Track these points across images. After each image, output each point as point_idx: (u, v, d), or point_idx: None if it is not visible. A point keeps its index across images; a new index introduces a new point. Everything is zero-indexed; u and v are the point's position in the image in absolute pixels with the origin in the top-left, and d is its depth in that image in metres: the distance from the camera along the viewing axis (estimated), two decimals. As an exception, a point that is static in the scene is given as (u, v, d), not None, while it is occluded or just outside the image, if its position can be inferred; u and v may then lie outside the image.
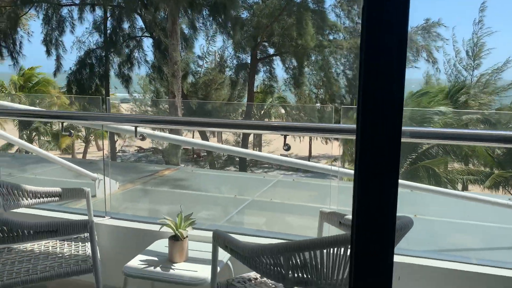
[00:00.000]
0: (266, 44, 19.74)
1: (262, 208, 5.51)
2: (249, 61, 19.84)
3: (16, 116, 4.21)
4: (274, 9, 17.91)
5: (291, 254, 1.48)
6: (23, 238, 2.00)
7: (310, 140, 24.57)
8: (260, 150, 22.75)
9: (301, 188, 6.71)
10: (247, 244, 1.64)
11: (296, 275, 1.52)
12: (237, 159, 21.33)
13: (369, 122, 0.66)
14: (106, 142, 15.15)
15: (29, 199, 2.52)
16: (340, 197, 2.82)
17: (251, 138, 22.61)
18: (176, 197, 6.24)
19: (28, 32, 19.07)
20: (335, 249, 1.48)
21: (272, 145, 22.72)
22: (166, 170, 9.01)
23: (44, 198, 2.54)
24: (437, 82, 20.21)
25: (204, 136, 19.78)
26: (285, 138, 2.25)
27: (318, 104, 20.82)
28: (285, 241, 1.55)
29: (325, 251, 1.48)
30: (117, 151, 23.15)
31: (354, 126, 2.06)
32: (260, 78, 21.30)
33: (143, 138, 2.70)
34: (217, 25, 18.21)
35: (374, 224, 0.68)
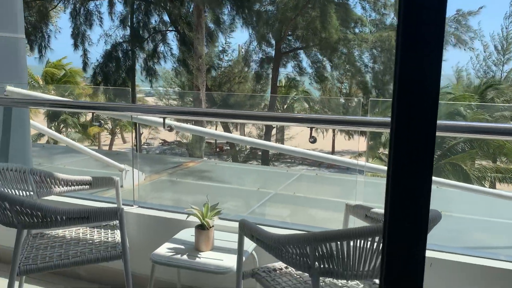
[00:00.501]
0: (291, 37, 19.63)
1: (285, 201, 5.52)
2: (273, 55, 19.80)
3: (49, 106, 4.32)
4: (298, 2, 17.77)
5: (318, 244, 1.49)
6: (56, 223, 2.07)
7: (334, 135, 24.41)
8: (282, 144, 22.71)
9: (325, 183, 6.69)
10: (273, 234, 1.66)
11: (322, 265, 1.53)
12: (260, 153, 21.38)
13: (405, 114, 0.67)
14: (133, 134, 15.46)
15: (60, 187, 2.60)
16: (365, 191, 2.81)
17: (273, 132, 22.62)
18: (200, 189, 6.32)
19: (55, 26, 19.55)
20: (362, 240, 1.48)
21: (295, 140, 22.67)
22: (190, 162, 9.13)
23: (75, 186, 2.62)
24: (467, 78, 19.76)
25: (227, 130, 19.89)
26: (311, 130, 2.25)
27: (342, 98, 20.64)
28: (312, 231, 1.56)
29: (352, 242, 1.49)
30: (142, 143, 23.54)
31: (383, 119, 2.05)
32: (283, 72, 21.24)
33: (170, 129, 2.74)
34: (242, 18, 18.21)
35: (407, 218, 0.68)
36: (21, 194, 2.49)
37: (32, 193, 2.51)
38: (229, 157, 22.20)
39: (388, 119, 2.25)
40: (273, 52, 19.72)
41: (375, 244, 1.50)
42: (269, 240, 1.66)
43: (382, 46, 18.04)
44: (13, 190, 2.46)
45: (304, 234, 1.52)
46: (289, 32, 19.09)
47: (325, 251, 1.50)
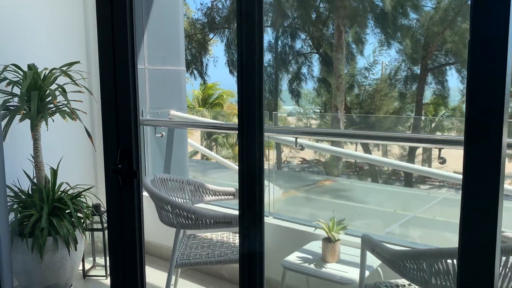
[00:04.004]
0: (437, 52, 18.52)
1: (422, 225, 5.30)
2: (418, 72, 18.91)
3: (202, 128, 4.98)
4: (446, 15, 16.74)
5: (434, 261, 1.55)
6: (205, 226, 2.47)
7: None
8: (430, 166, 21.28)
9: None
10: (391, 248, 1.76)
11: (439, 282, 1.58)
12: (403, 173, 20.37)
13: None
14: (271, 152, 16.34)
15: (210, 196, 3.05)
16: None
17: (418, 151, 21.33)
18: (334, 206, 6.43)
19: (212, 56, 22.19)
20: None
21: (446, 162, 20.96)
22: (326, 180, 9.30)
23: (221, 196, 3.04)
24: None
25: (366, 149, 19.51)
26: (439, 151, 2.26)
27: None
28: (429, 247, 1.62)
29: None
30: (283, 161, 24.47)
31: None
32: (430, 89, 20.05)
33: (302, 148, 2.99)
34: (385, 36, 17.91)
35: None
36: (180, 201, 2.99)
37: (188, 200, 3.00)
38: (368, 177, 21.65)
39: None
40: (419, 69, 18.82)
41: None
42: (388, 254, 1.76)
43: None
44: (173, 197, 2.97)
45: (419, 250, 1.59)
46: (436, 47, 18.04)
47: (441, 267, 1.55)
